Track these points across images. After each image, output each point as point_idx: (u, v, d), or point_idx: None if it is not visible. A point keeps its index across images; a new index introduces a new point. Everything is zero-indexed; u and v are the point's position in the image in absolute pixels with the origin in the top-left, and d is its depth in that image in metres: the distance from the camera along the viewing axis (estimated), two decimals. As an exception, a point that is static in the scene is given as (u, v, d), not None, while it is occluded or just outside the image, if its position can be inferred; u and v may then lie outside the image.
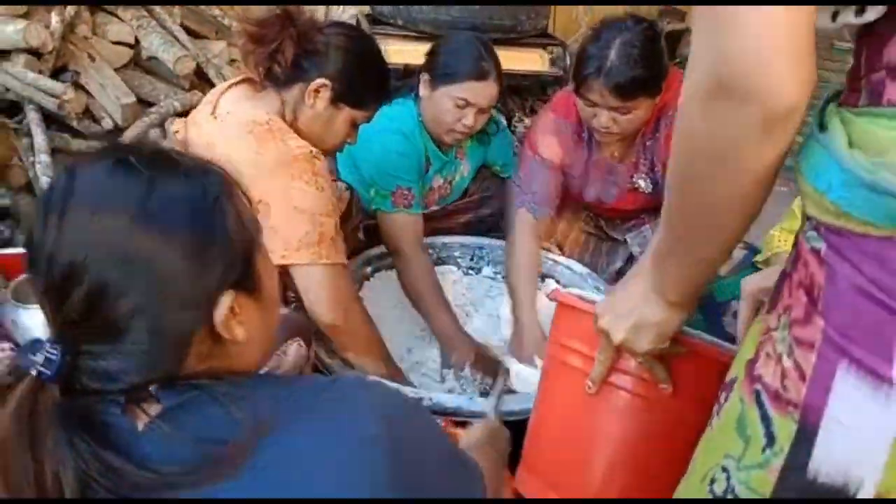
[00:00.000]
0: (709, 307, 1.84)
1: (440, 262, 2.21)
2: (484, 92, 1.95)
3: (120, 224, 0.66)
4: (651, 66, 1.73)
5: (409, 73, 2.16)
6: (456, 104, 1.94)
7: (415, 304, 1.97)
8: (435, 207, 2.25)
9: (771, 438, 0.63)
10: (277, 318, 0.84)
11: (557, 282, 2.08)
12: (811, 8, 0.61)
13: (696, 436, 0.82)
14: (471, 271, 2.19)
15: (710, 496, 0.71)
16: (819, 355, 0.60)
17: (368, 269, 2.09)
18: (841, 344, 0.58)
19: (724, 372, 0.99)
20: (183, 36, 3.38)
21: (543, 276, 2.13)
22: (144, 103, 3.29)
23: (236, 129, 1.39)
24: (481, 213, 2.33)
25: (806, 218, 0.68)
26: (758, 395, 0.66)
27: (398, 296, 2.01)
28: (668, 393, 0.99)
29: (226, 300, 0.72)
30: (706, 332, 1.90)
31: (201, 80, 3.53)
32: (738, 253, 1.89)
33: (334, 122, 1.50)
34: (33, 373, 0.65)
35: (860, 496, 0.58)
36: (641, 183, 2.00)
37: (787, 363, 0.62)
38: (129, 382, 0.70)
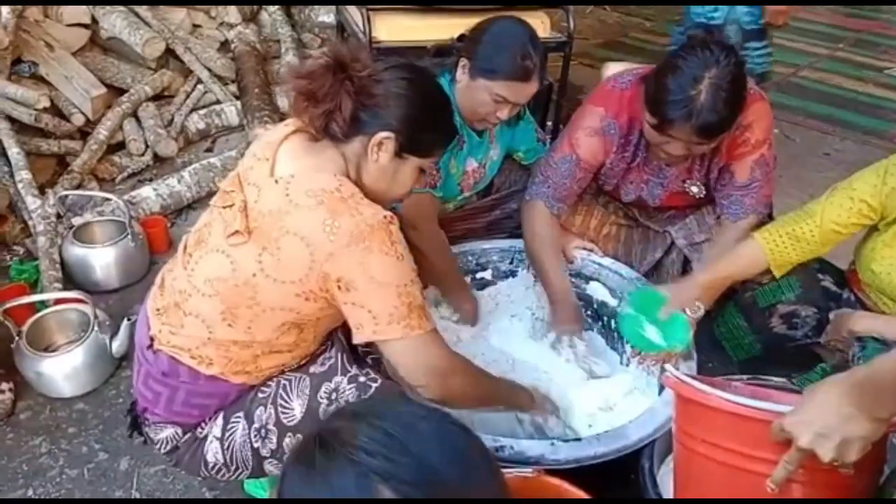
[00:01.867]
0: (753, 314, 1.87)
1: (479, 267, 2.13)
2: (524, 91, 1.84)
3: None
4: (739, 102, 1.62)
5: (440, 52, 1.97)
6: (494, 99, 1.84)
7: (433, 277, 1.95)
8: (469, 193, 2.16)
9: None
10: None
11: (603, 285, 2.06)
12: None
13: (863, 492, 1.01)
14: (508, 275, 2.15)
15: None
16: None
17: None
18: None
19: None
20: (145, 12, 3.11)
21: (588, 279, 2.10)
22: (110, 88, 3.04)
23: (306, 199, 1.27)
24: (508, 209, 2.21)
25: None
26: None
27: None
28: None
29: None
30: (753, 336, 1.93)
31: (165, 54, 3.28)
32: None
33: (401, 174, 1.39)
34: None
35: None
36: (694, 189, 1.90)
37: None
38: None
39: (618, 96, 1.84)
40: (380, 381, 1.40)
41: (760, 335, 1.86)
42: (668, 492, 1.43)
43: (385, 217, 1.28)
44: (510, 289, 2.13)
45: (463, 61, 1.87)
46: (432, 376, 1.36)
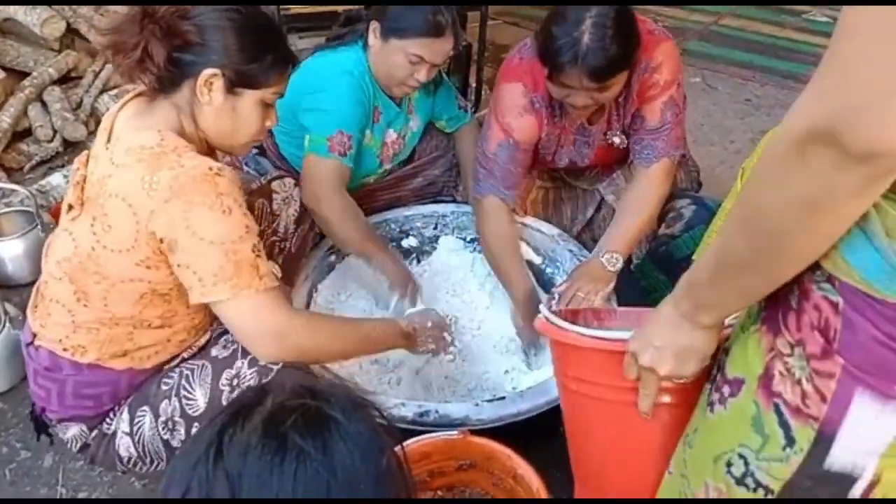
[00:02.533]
0: (669, 267, 1.85)
1: (403, 234, 2.11)
2: (439, 48, 1.81)
3: None
4: (628, 39, 1.56)
5: (350, 20, 1.95)
6: (409, 60, 1.80)
7: (350, 247, 1.87)
8: (389, 165, 2.12)
9: (791, 440, 0.77)
10: None
11: (527, 243, 2.05)
12: None
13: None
14: (432, 240, 2.12)
15: (727, 475, 0.85)
16: (839, 383, 0.72)
17: (333, 258, 1.98)
18: (858, 375, 0.70)
19: None
20: (42, -11, 2.94)
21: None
22: (11, 72, 2.89)
23: (125, 158, 1.19)
24: (430, 175, 2.18)
25: (817, 266, 0.72)
26: (777, 406, 0.78)
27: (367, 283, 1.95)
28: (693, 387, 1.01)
29: None
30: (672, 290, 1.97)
31: (69, 34, 3.12)
32: (688, 209, 1.89)
33: (242, 112, 1.30)
34: None
35: (862, 478, 0.74)
36: (616, 140, 1.87)
37: (808, 387, 0.74)
38: None
39: (528, 67, 1.77)
40: (280, 363, 1.35)
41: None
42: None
43: (211, 168, 1.20)
44: (436, 258, 2.12)
45: (374, 24, 1.83)
46: (268, 339, 1.26)
